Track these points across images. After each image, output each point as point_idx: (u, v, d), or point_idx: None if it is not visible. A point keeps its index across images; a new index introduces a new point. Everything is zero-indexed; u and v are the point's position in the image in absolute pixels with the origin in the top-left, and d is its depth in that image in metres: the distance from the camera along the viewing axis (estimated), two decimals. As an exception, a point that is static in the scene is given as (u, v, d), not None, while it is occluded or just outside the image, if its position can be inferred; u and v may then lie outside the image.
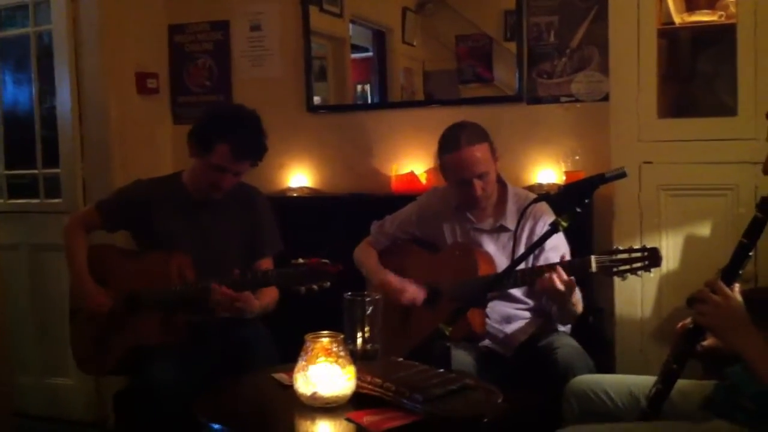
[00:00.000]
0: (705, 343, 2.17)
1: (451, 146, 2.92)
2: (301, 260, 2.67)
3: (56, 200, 4.24)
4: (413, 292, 2.98)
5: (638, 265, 2.58)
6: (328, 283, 2.63)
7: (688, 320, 2.13)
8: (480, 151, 2.89)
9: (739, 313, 1.94)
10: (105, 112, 4.10)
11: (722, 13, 3.15)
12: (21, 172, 4.41)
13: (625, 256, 2.60)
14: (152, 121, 4.35)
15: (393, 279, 3.03)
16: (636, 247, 2.64)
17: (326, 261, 2.64)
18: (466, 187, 2.92)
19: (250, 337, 2.99)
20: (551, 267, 2.68)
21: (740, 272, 2.02)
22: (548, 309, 2.92)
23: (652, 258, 2.58)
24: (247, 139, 2.97)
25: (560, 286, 2.63)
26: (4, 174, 4.39)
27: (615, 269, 2.61)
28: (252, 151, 2.99)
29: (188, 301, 2.88)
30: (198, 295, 2.85)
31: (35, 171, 4.33)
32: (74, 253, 3.13)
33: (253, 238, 3.14)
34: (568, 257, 2.83)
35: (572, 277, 2.66)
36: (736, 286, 2.02)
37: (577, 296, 2.82)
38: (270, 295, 3.03)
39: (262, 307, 2.98)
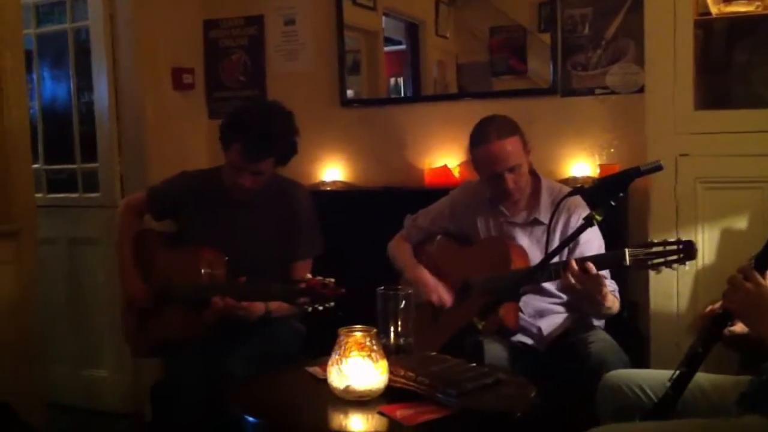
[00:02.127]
0: (732, 328, 2.16)
1: (481, 140, 2.91)
2: (309, 276, 2.65)
3: (94, 194, 4.31)
4: (442, 295, 2.99)
5: (673, 258, 2.55)
6: (332, 304, 2.60)
7: (717, 305, 2.12)
8: (511, 145, 2.88)
9: None
10: (141, 108, 4.16)
11: (759, 3, 3.10)
12: (60, 167, 4.48)
13: (659, 249, 2.57)
14: (188, 116, 4.39)
15: (426, 276, 3.04)
16: (671, 239, 2.62)
17: (329, 282, 2.60)
18: (498, 181, 2.92)
19: (279, 331, 3.02)
20: (566, 265, 2.65)
21: None
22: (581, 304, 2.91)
23: (687, 251, 2.55)
24: (259, 139, 2.92)
25: (573, 281, 2.62)
26: (44, 169, 4.47)
27: (649, 262, 2.57)
28: (263, 151, 2.94)
29: (207, 298, 2.88)
30: (208, 293, 2.87)
31: (74, 166, 4.40)
32: (122, 237, 3.22)
33: (288, 240, 3.11)
34: (602, 251, 2.81)
35: (600, 272, 2.64)
36: None
37: (608, 290, 2.76)
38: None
39: (276, 311, 2.96)
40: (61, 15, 4.40)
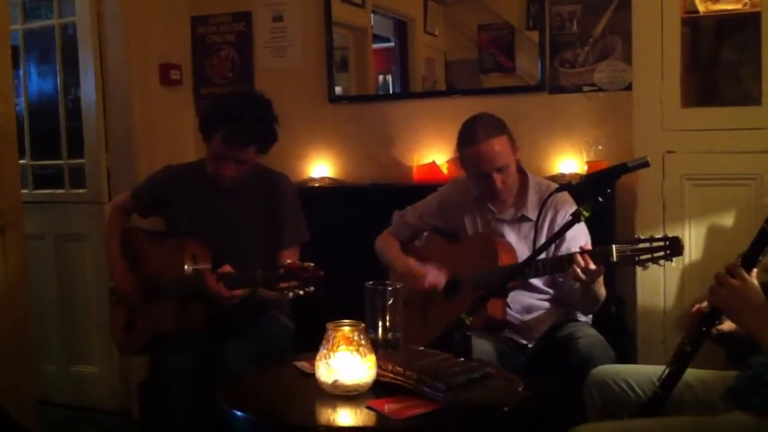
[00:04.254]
0: (720, 326, 2.17)
1: (469, 140, 2.91)
2: (288, 261, 2.66)
3: (81, 190, 4.28)
4: (434, 276, 2.98)
5: (659, 254, 2.55)
6: (312, 288, 2.61)
7: (704, 303, 2.13)
8: (498, 144, 2.88)
9: (755, 296, 1.95)
10: (129, 103, 4.14)
11: (746, 1, 3.12)
12: (46, 163, 4.46)
13: (646, 245, 2.56)
14: (175, 112, 4.37)
15: (415, 265, 3.04)
16: (658, 236, 2.63)
17: (308, 265, 2.62)
18: (486, 180, 2.92)
19: (269, 327, 3.01)
20: (581, 255, 2.64)
21: (760, 258, 2.02)
22: (570, 300, 2.91)
23: (674, 247, 2.55)
24: (241, 126, 2.93)
25: (582, 276, 2.63)
26: (30, 165, 4.43)
27: (636, 258, 2.57)
28: (245, 137, 2.95)
29: (196, 290, 2.88)
30: (195, 284, 2.86)
31: (60, 161, 4.37)
32: (110, 234, 3.23)
33: (274, 228, 3.11)
34: (589, 247, 2.82)
35: (601, 266, 2.64)
36: (754, 271, 2.02)
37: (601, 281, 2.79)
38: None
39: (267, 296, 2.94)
40: (48, 11, 4.37)
